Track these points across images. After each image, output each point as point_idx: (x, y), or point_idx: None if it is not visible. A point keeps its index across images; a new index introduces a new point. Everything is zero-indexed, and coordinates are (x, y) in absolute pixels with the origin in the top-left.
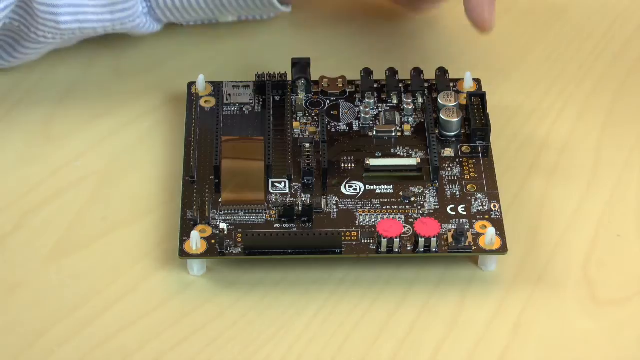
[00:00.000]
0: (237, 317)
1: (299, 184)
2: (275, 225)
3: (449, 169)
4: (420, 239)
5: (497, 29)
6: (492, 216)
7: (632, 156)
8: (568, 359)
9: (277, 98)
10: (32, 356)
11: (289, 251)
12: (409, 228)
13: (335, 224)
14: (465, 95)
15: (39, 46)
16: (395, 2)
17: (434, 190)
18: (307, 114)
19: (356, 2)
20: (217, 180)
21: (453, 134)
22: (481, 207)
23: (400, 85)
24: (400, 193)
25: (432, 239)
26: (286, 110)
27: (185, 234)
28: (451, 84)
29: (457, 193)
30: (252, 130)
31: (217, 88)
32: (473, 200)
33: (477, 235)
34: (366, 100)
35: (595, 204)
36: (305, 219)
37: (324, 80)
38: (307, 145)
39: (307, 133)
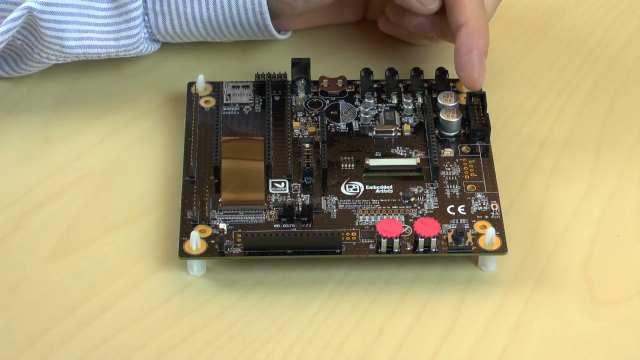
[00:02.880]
0: (237, 317)
1: (299, 184)
2: (275, 226)
3: (449, 169)
4: (420, 239)
5: (497, 29)
6: (492, 216)
7: (632, 156)
8: (568, 359)
9: (277, 98)
10: (32, 356)
11: (289, 251)
12: (408, 228)
13: (335, 224)
14: (465, 95)
15: (41, 65)
16: (392, 35)
17: (433, 190)
18: (307, 114)
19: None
20: (217, 180)
21: (453, 134)
22: (481, 207)
23: (400, 85)
24: (400, 193)
25: (432, 239)
26: (286, 111)
27: (185, 234)
28: (451, 84)
29: (457, 193)
30: (252, 131)
31: (217, 88)
32: (473, 200)
33: (477, 235)
34: (366, 100)
35: (595, 204)
36: (305, 219)
37: (324, 80)
38: (307, 145)
39: (307, 133)
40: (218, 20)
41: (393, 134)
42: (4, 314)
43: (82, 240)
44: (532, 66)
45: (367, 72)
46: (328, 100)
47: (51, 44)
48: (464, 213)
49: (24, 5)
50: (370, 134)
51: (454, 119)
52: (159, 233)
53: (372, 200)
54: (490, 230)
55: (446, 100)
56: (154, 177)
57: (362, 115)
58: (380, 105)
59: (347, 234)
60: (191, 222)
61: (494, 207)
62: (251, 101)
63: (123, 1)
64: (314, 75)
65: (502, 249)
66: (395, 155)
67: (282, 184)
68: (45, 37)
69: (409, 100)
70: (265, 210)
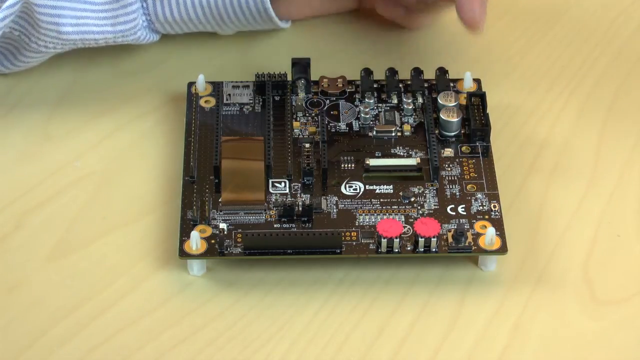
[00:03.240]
0: (237, 317)
1: (299, 184)
2: (275, 225)
3: (449, 169)
4: (420, 239)
5: (497, 29)
6: (492, 216)
7: (632, 156)
8: (568, 359)
9: (277, 98)
10: (32, 356)
11: (289, 251)
12: (408, 228)
13: (335, 224)
14: (465, 95)
15: (40, 55)
16: (390, 17)
17: (433, 190)
18: (307, 114)
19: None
20: (217, 180)
21: (453, 134)
22: (481, 207)
23: (400, 85)
24: (400, 193)
25: (432, 239)
26: (286, 110)
27: (185, 234)
28: (451, 84)
29: (457, 193)
30: (252, 130)
31: (217, 88)
32: (473, 200)
33: (477, 235)
34: (366, 100)
35: (595, 204)
36: (305, 219)
37: (324, 80)
38: (307, 145)
39: (307, 133)
40: (217, 5)
41: (393, 134)
42: (4, 314)
43: (82, 240)
44: (532, 66)
45: (367, 72)
46: (328, 100)
47: (48, 30)
48: (464, 213)
49: None
50: (370, 134)
51: (454, 119)
52: (159, 233)
53: (372, 200)
54: (490, 230)
55: (446, 100)
56: (154, 177)
57: (362, 115)
58: (380, 105)
59: (347, 234)
60: (191, 222)
61: (494, 207)
62: (251, 101)
63: None
64: (314, 75)
65: (502, 249)
66: (395, 155)
67: (282, 184)
68: (41, 24)
69: (409, 100)
70: (265, 210)
